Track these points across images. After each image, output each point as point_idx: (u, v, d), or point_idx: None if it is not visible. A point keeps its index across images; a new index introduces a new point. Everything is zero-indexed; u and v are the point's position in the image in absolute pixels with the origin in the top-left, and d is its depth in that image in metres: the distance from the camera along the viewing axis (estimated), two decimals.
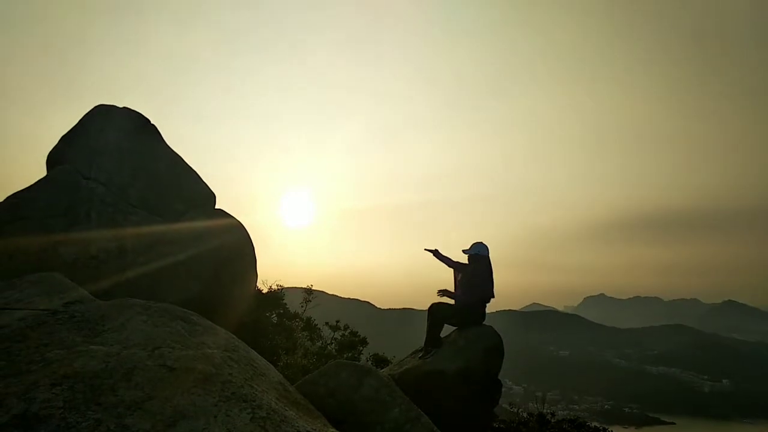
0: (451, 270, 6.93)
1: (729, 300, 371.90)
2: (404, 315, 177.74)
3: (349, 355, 10.84)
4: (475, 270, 6.65)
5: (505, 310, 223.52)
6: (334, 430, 3.16)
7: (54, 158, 7.42)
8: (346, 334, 11.81)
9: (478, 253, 6.68)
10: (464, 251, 6.73)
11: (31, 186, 6.92)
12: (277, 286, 11.42)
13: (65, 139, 7.56)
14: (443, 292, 6.65)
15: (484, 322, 6.66)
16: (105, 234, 6.62)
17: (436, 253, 7.00)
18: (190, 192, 8.08)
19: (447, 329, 6.67)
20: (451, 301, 6.60)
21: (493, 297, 6.67)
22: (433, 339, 6.47)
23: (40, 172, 7.33)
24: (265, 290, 11.10)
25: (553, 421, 9.19)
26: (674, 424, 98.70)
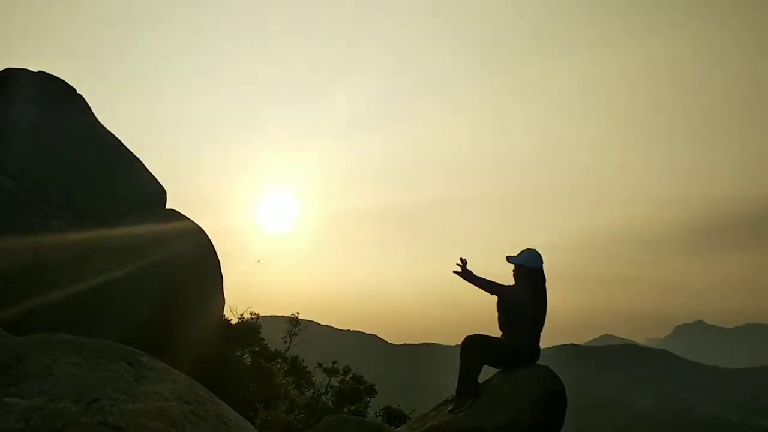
0: (494, 296, 6.85)
1: None
2: (424, 352, 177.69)
3: (352, 408, 10.88)
4: (510, 293, 6.60)
5: (566, 345, 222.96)
6: None
7: None
8: (346, 379, 11.85)
9: (525, 264, 6.64)
10: (509, 259, 6.69)
11: None
12: (251, 314, 11.49)
13: None
14: (462, 267, 6.62)
15: (537, 361, 6.65)
16: (17, 245, 6.68)
17: (467, 275, 6.75)
18: (133, 188, 8.15)
19: (487, 372, 6.67)
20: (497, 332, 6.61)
21: (542, 324, 6.64)
22: (467, 385, 6.47)
23: None
24: (234, 320, 11.17)
25: None
26: None
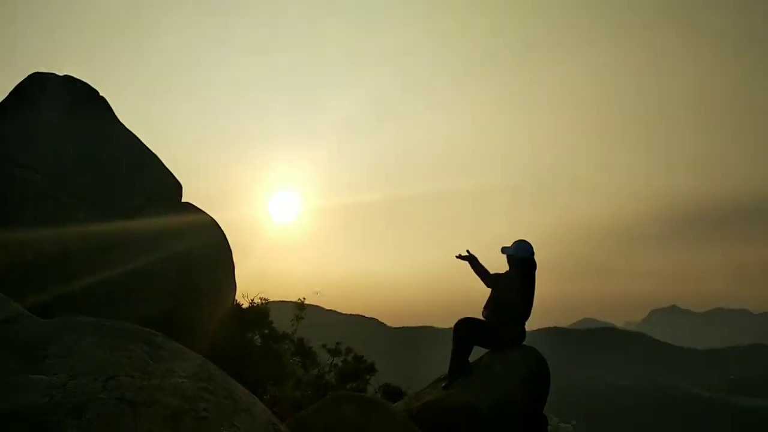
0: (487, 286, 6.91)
1: None
2: (421, 335, 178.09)
3: (353, 385, 10.89)
4: (502, 281, 6.65)
5: (550, 328, 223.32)
6: None
7: None
8: (348, 359, 11.86)
9: (514, 255, 6.66)
10: (503, 250, 6.72)
11: None
12: (261, 299, 11.47)
13: None
14: (469, 254, 6.75)
15: (524, 343, 6.66)
16: (44, 235, 6.67)
17: (473, 261, 6.89)
18: (150, 182, 8.14)
19: (478, 352, 6.68)
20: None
21: (530, 310, 6.67)
22: (459, 364, 6.48)
23: None
24: (245, 305, 11.16)
25: None
26: None
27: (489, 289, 6.83)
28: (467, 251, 6.91)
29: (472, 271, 6.85)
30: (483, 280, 6.81)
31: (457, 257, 6.90)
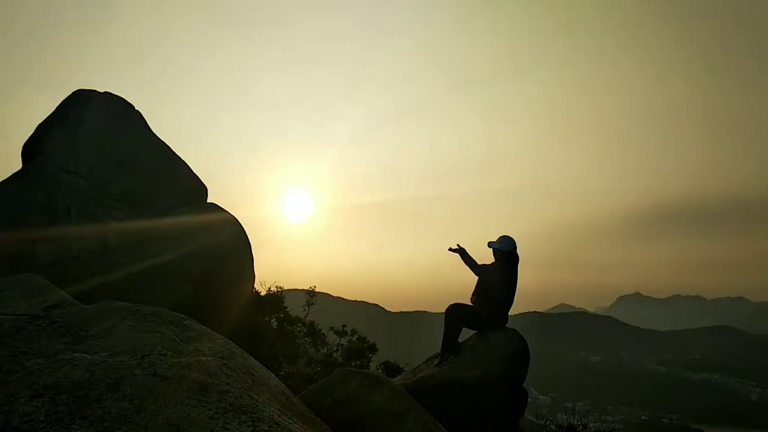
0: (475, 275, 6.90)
1: None
2: (417, 318, 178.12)
3: (358, 362, 10.88)
4: (488, 271, 6.67)
5: (529, 312, 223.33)
6: None
7: (30, 149, 7.48)
8: (353, 339, 11.85)
9: (499, 249, 6.66)
10: (490, 244, 6.72)
11: (6, 180, 6.98)
12: (277, 287, 11.48)
13: (42, 128, 7.61)
14: (460, 247, 6.76)
15: (506, 325, 6.64)
16: (87, 231, 6.67)
17: (463, 254, 6.90)
18: (179, 185, 8.12)
19: (466, 334, 6.66)
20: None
21: (512, 297, 6.66)
22: (450, 344, 6.47)
23: (15, 164, 7.41)
24: (263, 292, 11.16)
25: None
26: None
27: (476, 278, 6.82)
28: (458, 245, 6.93)
29: (461, 262, 6.86)
30: (472, 269, 6.83)
31: (449, 250, 6.92)
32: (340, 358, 11.13)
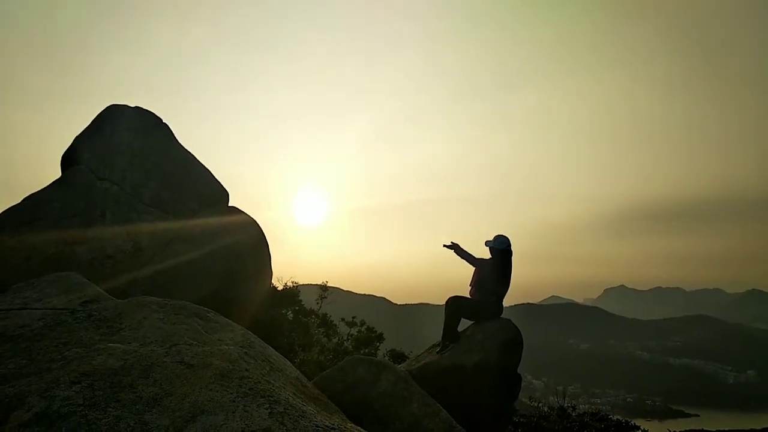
0: (472, 267, 6.86)
1: (753, 289, 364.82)
2: (420, 310, 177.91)
3: (366, 351, 10.87)
4: (483, 266, 6.65)
5: (523, 304, 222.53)
6: (352, 425, 3.17)
7: (69, 159, 7.54)
8: (362, 330, 11.85)
9: (494, 247, 6.65)
10: (486, 243, 6.70)
11: (47, 187, 7.03)
12: (292, 283, 11.50)
13: (79, 140, 7.67)
14: (453, 244, 6.71)
15: (501, 316, 6.63)
16: (120, 233, 6.71)
17: (456, 248, 6.85)
18: (204, 190, 8.15)
19: (464, 323, 6.65)
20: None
21: (506, 289, 6.64)
22: (450, 333, 6.46)
23: (55, 173, 7.47)
24: (280, 287, 11.18)
25: (574, 414, 9.14)
26: (698, 416, 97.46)
27: (473, 273, 6.80)
28: (451, 241, 6.86)
29: (457, 257, 6.81)
30: (468, 261, 6.78)
31: (443, 246, 6.89)
32: (351, 346, 11.13)
